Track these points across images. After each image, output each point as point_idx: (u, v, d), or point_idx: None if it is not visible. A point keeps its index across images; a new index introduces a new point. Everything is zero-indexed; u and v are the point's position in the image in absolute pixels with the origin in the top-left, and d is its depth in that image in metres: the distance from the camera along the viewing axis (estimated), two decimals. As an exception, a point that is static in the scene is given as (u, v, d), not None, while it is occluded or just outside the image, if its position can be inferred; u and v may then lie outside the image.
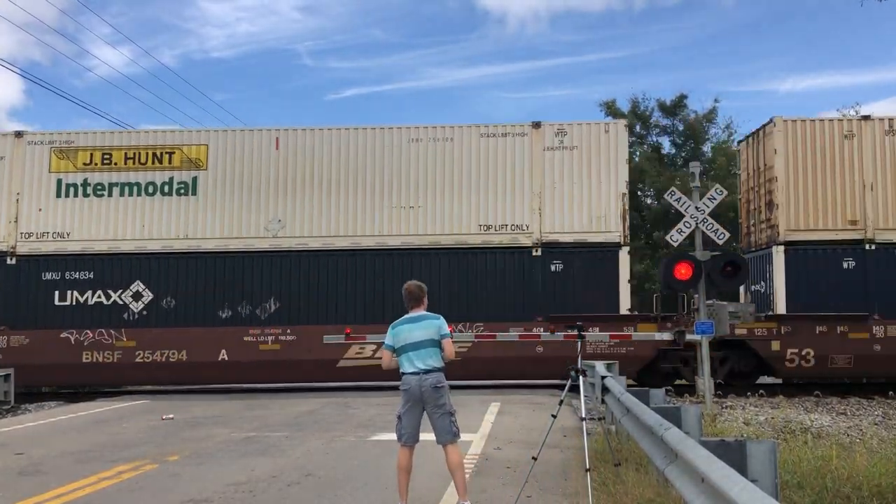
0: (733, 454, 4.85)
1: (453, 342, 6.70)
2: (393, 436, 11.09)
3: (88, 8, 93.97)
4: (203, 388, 19.17)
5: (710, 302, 14.32)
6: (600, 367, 13.02)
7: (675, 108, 36.55)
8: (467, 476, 7.96)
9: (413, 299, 6.74)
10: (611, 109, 36.64)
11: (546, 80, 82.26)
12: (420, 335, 6.52)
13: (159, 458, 9.37)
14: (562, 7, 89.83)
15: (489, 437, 10.63)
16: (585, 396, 8.04)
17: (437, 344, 6.52)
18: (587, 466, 6.92)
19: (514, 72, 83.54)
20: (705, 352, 13.68)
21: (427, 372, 6.45)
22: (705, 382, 13.54)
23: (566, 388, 7.84)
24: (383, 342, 6.76)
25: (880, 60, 72.52)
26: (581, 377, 7.50)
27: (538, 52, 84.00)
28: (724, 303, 16.21)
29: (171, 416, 13.60)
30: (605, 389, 10.79)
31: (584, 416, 7.51)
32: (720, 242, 14.00)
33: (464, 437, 10.47)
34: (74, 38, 72.73)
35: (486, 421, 12.23)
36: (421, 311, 6.71)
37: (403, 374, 6.60)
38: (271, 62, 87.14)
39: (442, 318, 6.65)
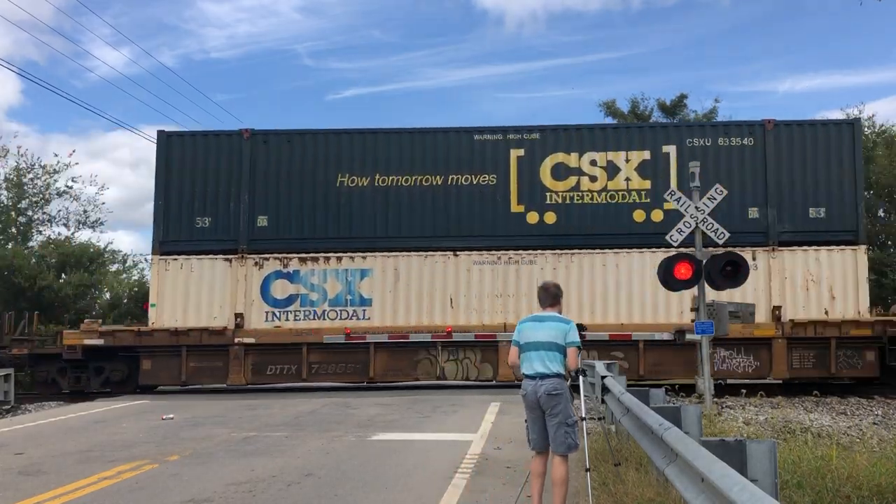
0: (733, 454, 4.84)
1: None
2: (393, 435, 11.17)
3: (88, 8, 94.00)
4: (203, 387, 19.16)
5: (709, 301, 14.30)
6: (600, 366, 13.01)
7: (675, 108, 36.57)
8: (467, 477, 7.98)
9: (550, 297, 6.38)
10: (611, 109, 36.70)
11: (545, 80, 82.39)
12: (543, 336, 6.12)
13: (159, 458, 9.37)
14: (559, 8, 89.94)
15: (489, 437, 10.63)
16: (585, 396, 8.04)
17: (559, 349, 6.08)
18: (587, 466, 6.92)
19: (513, 72, 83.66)
20: (705, 352, 13.67)
21: (544, 377, 6.06)
22: (705, 382, 13.53)
23: (566, 387, 7.83)
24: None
25: (880, 60, 72.57)
26: (581, 377, 7.49)
27: (537, 53, 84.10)
28: (726, 302, 16.15)
29: (170, 416, 13.60)
30: (604, 389, 10.77)
31: (583, 415, 7.49)
32: (720, 242, 13.98)
33: (464, 436, 10.54)
34: (74, 39, 72.75)
35: (486, 421, 12.22)
36: (552, 312, 6.34)
37: (523, 376, 6.22)
38: (271, 63, 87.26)
39: (573, 323, 6.19)
